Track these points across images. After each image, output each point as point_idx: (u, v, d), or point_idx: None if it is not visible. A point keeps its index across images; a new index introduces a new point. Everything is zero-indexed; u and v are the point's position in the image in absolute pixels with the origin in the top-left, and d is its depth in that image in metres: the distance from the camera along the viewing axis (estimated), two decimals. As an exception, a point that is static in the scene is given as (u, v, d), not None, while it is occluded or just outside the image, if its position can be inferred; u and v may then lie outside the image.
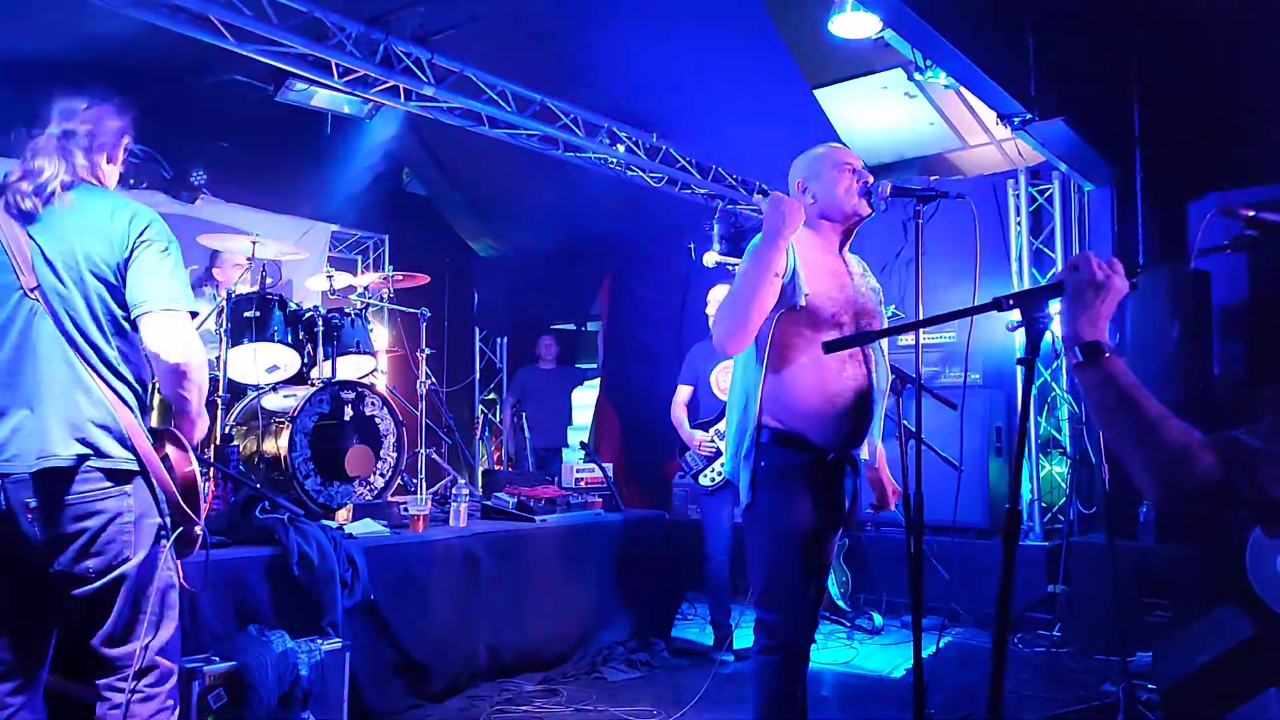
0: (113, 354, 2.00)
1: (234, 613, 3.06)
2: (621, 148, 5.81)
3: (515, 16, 5.08)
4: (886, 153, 6.74)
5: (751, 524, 2.47)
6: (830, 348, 1.94)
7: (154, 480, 1.99)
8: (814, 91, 5.66)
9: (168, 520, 2.02)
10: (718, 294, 3.43)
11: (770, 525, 2.41)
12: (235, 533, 3.36)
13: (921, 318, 2.62)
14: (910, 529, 2.49)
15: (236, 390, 4.47)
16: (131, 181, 5.93)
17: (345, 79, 4.75)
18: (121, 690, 1.97)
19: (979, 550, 5.15)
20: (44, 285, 1.95)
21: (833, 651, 4.70)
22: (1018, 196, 5.84)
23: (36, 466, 1.90)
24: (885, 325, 2.74)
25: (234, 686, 2.79)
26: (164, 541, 2.01)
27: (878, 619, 5.15)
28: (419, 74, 4.81)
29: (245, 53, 4.35)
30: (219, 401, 4.15)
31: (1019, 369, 1.48)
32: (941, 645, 4.76)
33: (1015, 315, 1.45)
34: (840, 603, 5.19)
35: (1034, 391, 4.87)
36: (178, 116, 6.03)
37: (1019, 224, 5.82)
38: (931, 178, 5.95)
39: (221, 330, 4.29)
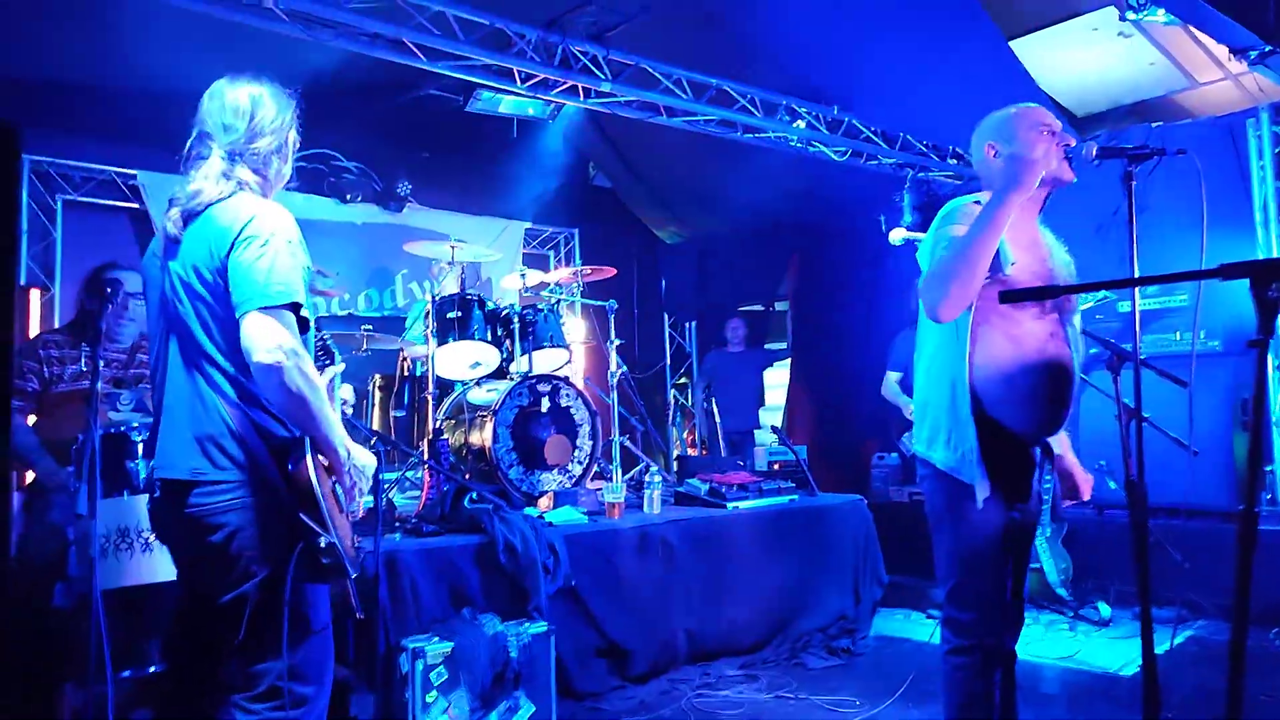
0: (227, 365, 1.91)
1: (449, 596, 3.28)
2: (801, 124, 5.66)
3: (684, 3, 5.07)
4: (1099, 101, 6.14)
5: (945, 514, 2.31)
6: (1006, 298, 1.79)
7: (276, 494, 1.88)
8: (1010, 43, 5.25)
9: (299, 535, 1.87)
10: None
11: (968, 516, 2.24)
12: (447, 522, 3.60)
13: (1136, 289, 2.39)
14: (1133, 517, 2.27)
15: (444, 386, 4.78)
16: (348, 197, 6.49)
17: (527, 84, 4.93)
18: (246, 710, 1.89)
19: (1222, 534, 4.61)
20: (169, 302, 1.97)
21: (1054, 644, 4.39)
22: (1259, 138, 5.15)
23: (160, 478, 1.94)
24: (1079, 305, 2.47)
25: (453, 665, 3.00)
26: (294, 558, 1.87)
27: (1105, 610, 4.75)
28: (596, 71, 4.92)
29: (437, 69, 4.62)
30: (429, 398, 4.45)
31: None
32: (1178, 641, 4.32)
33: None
34: (1061, 591, 4.83)
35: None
36: (382, 133, 6.53)
37: (1262, 168, 5.13)
38: (1154, 125, 5.38)
39: (429, 331, 4.60)
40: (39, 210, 5.43)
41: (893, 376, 4.60)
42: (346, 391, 4.23)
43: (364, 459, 2.04)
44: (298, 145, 2.19)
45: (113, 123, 5.46)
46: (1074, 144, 2.31)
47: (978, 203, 2.28)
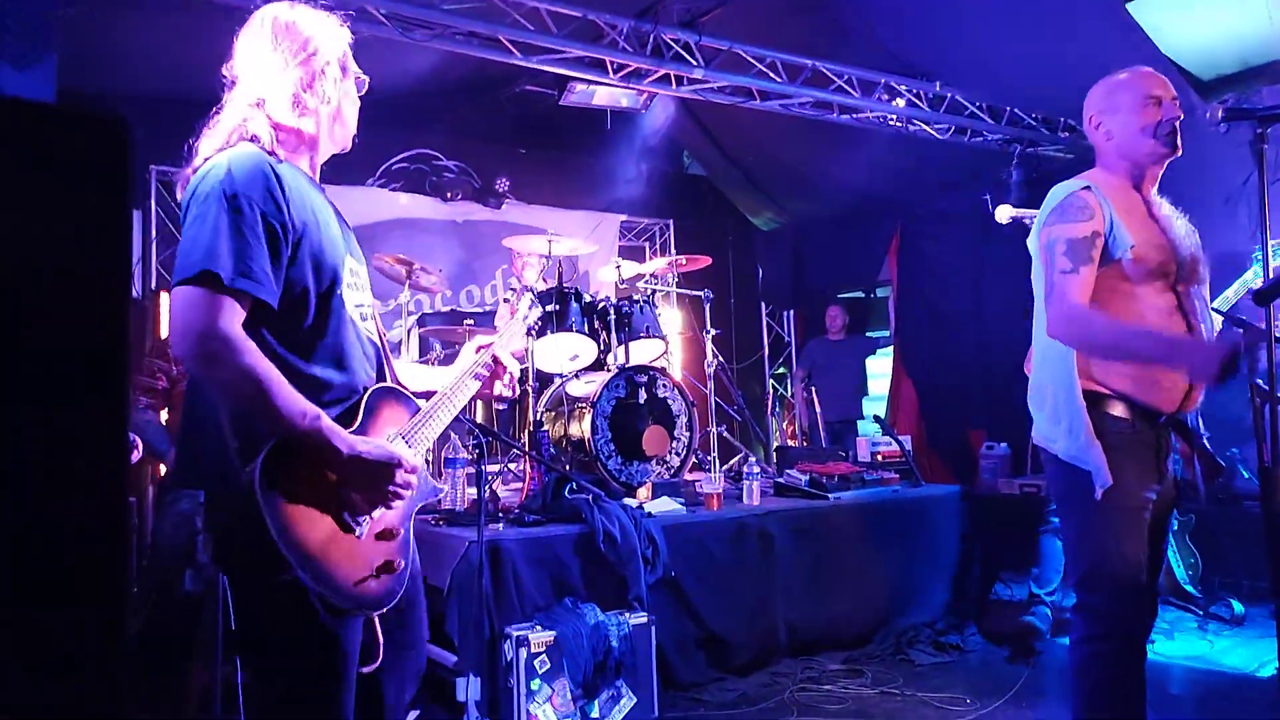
0: None
1: (550, 585, 3.33)
2: (901, 102, 5.49)
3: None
4: (1228, 62, 5.72)
5: (1076, 496, 2.19)
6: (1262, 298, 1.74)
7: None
8: (1126, 5, 4.95)
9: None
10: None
11: (1096, 501, 2.13)
12: (548, 512, 3.65)
13: (1269, 260, 2.22)
14: (1267, 507, 2.11)
15: (544, 379, 4.86)
16: (448, 195, 6.67)
17: (620, 74, 4.94)
18: None
19: (1375, 528, 4.25)
20: None
21: (1183, 644, 4.14)
22: None
23: None
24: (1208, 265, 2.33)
25: (556, 654, 3.05)
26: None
27: (1238, 607, 4.45)
28: (688, 58, 4.88)
29: (531, 64, 4.68)
30: (529, 390, 4.53)
31: None
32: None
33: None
34: (1189, 588, 4.55)
35: None
36: (480, 131, 6.67)
37: None
38: (1288, 86, 4.92)
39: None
40: (167, 219, 5.77)
41: None
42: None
43: (379, 452, 1.57)
44: (354, 80, 1.77)
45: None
46: (1182, 117, 2.17)
47: (1088, 188, 2.18)
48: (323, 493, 1.53)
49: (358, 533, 1.57)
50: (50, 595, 0.64)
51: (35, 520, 0.62)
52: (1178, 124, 2.19)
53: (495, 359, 2.01)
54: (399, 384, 1.81)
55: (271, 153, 1.60)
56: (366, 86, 1.80)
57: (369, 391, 1.68)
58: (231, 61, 1.68)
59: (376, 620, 1.65)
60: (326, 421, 1.51)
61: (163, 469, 3.74)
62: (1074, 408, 2.16)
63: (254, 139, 1.59)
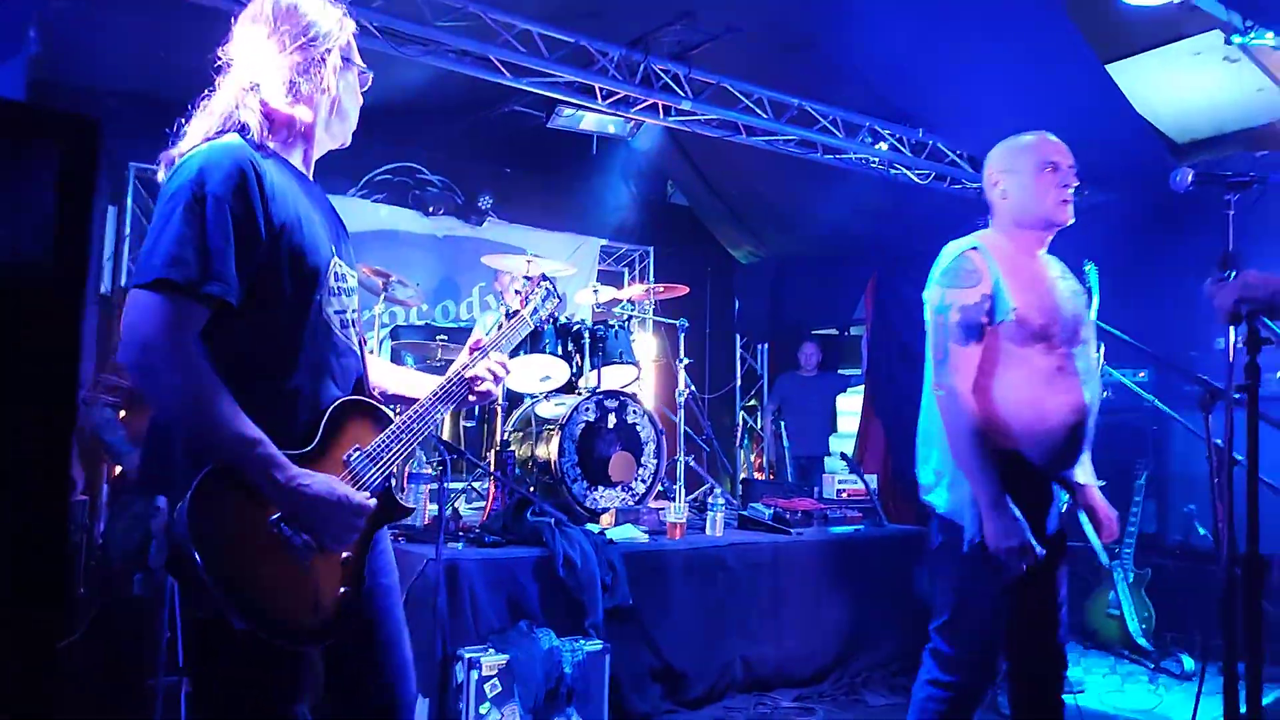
0: None
1: (506, 608, 3.30)
2: (884, 145, 5.58)
3: (770, 24, 5.05)
4: (1203, 127, 5.87)
5: (948, 547, 2.23)
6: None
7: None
8: (1106, 66, 5.07)
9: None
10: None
11: (975, 551, 2.16)
12: (509, 533, 3.62)
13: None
14: (1222, 563, 2.14)
15: (513, 398, 4.84)
16: (430, 209, 6.66)
17: (608, 101, 4.97)
18: None
19: (1324, 590, 4.32)
20: None
21: (1132, 697, 4.17)
22: (1378, 169, 4.85)
23: None
24: (1093, 326, 2.41)
25: (507, 678, 3.01)
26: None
27: (1188, 662, 4.50)
28: (677, 89, 4.93)
29: (521, 86, 4.71)
30: (498, 409, 4.50)
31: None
32: (1268, 700, 4.05)
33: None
34: (1141, 641, 4.59)
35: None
36: (466, 148, 6.68)
37: (1380, 201, 4.82)
38: (1259, 154, 5.12)
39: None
40: (143, 216, 5.71)
41: None
42: None
43: (321, 488, 1.46)
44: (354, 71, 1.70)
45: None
46: (1077, 185, 2.28)
47: (976, 249, 2.25)
48: (265, 518, 1.43)
49: (302, 565, 1.45)
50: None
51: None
52: (1070, 192, 2.28)
53: (501, 361, 1.87)
54: (372, 396, 1.70)
55: (261, 145, 1.52)
56: (370, 82, 1.73)
57: (334, 404, 1.57)
58: (229, 44, 1.61)
59: (323, 654, 1.56)
60: (267, 450, 1.41)
61: (119, 469, 3.67)
62: (954, 465, 2.21)
63: (243, 129, 1.51)
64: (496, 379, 1.84)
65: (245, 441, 1.39)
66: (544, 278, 2.23)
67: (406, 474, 3.77)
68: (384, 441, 1.63)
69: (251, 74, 1.56)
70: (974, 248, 2.25)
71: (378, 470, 1.60)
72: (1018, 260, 2.28)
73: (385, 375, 1.86)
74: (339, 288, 1.63)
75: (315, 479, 1.46)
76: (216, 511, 1.38)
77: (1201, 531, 4.71)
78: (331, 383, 1.59)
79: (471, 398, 1.83)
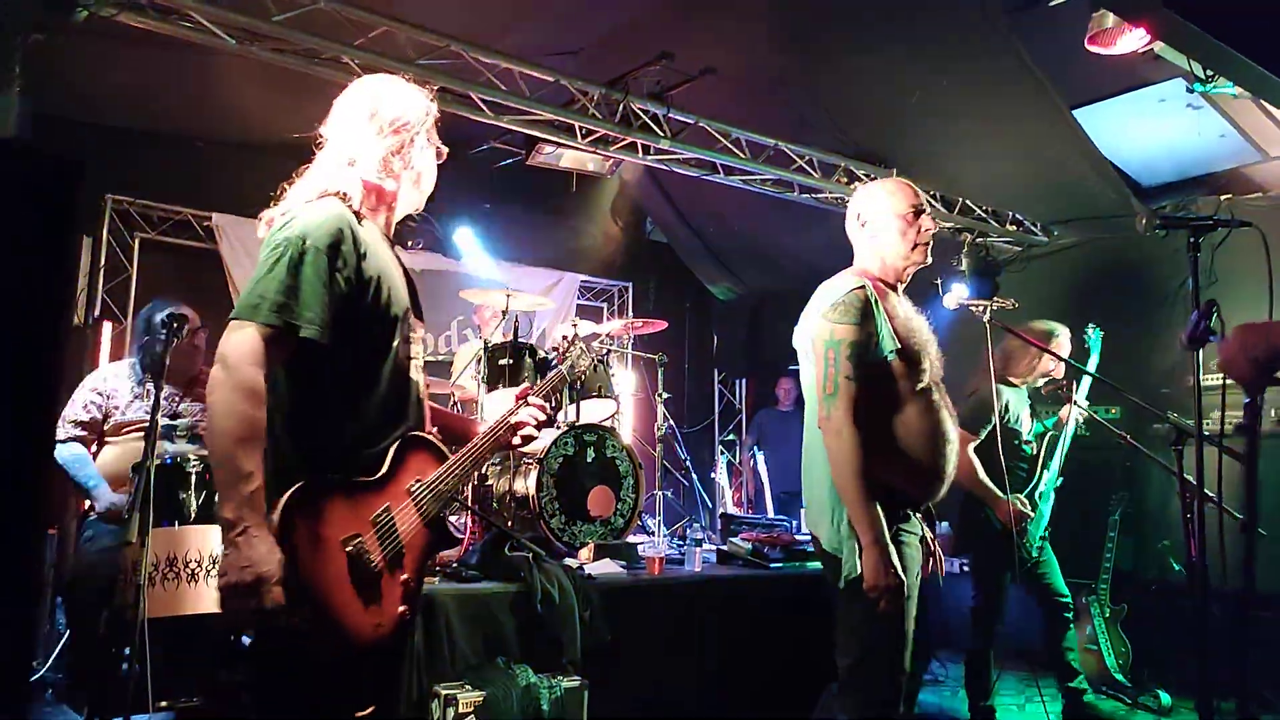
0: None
1: (483, 644, 3.25)
2: (859, 186, 5.67)
3: (747, 68, 5.15)
4: (1167, 171, 6.04)
5: (855, 593, 2.25)
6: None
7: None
8: (1073, 111, 5.22)
9: None
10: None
11: (852, 586, 2.25)
12: (487, 568, 3.59)
13: (1200, 360, 2.32)
14: (1195, 601, 2.17)
15: (492, 433, 4.82)
16: (409, 243, 6.66)
17: (588, 139, 5.04)
18: None
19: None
20: None
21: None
22: (1335, 212, 5.01)
23: None
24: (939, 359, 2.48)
25: (484, 715, 2.96)
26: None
27: (1165, 698, 4.52)
28: (656, 129, 5.01)
29: (502, 124, 4.76)
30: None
31: None
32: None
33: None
34: (1119, 676, 4.61)
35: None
36: (447, 183, 6.69)
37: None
38: (1223, 198, 5.28)
39: (479, 376, 4.66)
40: (118, 247, 5.67)
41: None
42: None
43: (244, 556, 1.48)
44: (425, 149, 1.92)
45: (191, 167, 5.72)
46: (936, 229, 2.45)
47: (863, 287, 2.34)
48: (344, 534, 1.62)
49: (369, 576, 1.64)
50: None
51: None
52: (931, 237, 2.47)
53: (542, 406, 2.04)
54: (433, 434, 1.88)
55: (356, 210, 1.74)
56: (445, 156, 1.96)
57: (401, 439, 1.75)
58: (326, 123, 1.85)
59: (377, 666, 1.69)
60: (256, 498, 1.52)
61: (86, 504, 3.61)
62: (835, 499, 2.27)
63: (343, 195, 1.73)
64: (540, 425, 2.03)
65: (243, 477, 1.51)
66: (580, 338, 2.46)
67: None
68: (441, 475, 1.81)
69: (350, 152, 1.79)
70: (861, 286, 2.34)
71: (435, 501, 1.79)
72: (890, 299, 2.41)
73: (439, 417, 2.03)
74: (411, 336, 1.83)
75: (260, 547, 1.49)
76: (305, 521, 1.57)
77: (1176, 567, 4.76)
78: (401, 419, 1.77)
79: (515, 440, 2.00)
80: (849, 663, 2.35)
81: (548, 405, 2.07)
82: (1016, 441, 4.14)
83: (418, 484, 1.76)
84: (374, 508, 1.68)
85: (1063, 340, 4.14)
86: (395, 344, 1.75)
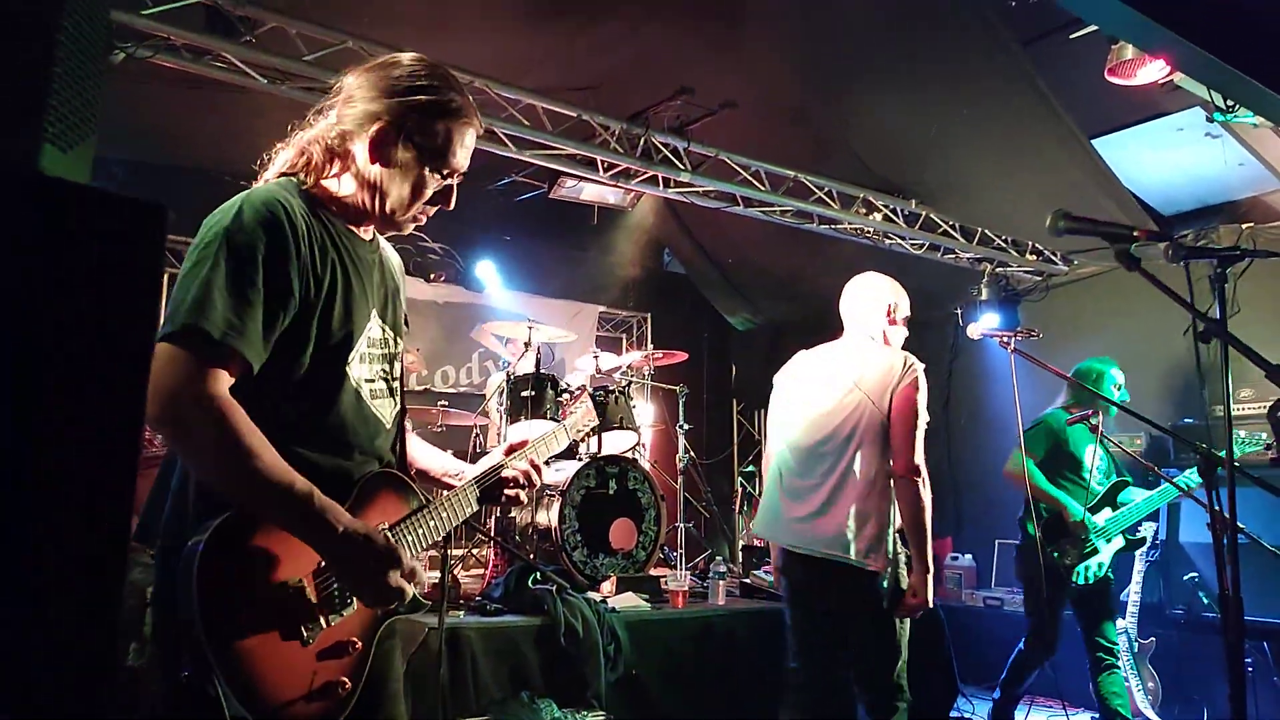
0: None
1: (509, 677, 3.25)
2: (878, 216, 5.70)
3: (767, 100, 5.21)
4: (1186, 200, 6.04)
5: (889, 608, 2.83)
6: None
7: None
8: (1092, 141, 5.24)
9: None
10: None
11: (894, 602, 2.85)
12: (511, 601, 3.59)
13: (1230, 390, 2.32)
14: (1227, 634, 2.14)
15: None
16: (431, 276, 6.74)
17: (609, 173, 5.10)
18: None
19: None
20: None
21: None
22: (1359, 240, 4.98)
23: None
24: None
25: (508, 750, 2.95)
26: None
27: (1198, 735, 4.43)
28: (676, 162, 5.06)
29: (524, 158, 4.83)
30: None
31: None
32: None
33: None
34: (1151, 712, 4.53)
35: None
36: (468, 216, 6.79)
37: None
38: (1244, 227, 5.26)
39: (502, 408, 4.68)
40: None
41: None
42: None
43: (380, 543, 1.40)
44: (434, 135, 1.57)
45: (220, 202, 5.81)
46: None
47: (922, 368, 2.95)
48: (276, 584, 1.33)
49: (305, 638, 1.35)
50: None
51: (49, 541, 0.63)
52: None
53: (533, 466, 1.82)
54: (405, 472, 1.63)
55: (319, 194, 1.53)
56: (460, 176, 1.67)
57: (365, 478, 1.51)
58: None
59: None
60: (321, 498, 1.34)
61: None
62: (879, 530, 2.79)
63: (295, 171, 1.54)
64: (528, 484, 1.81)
65: (297, 487, 1.33)
66: (591, 396, 2.26)
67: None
68: (412, 523, 1.56)
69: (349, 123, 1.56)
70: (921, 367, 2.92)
71: (402, 550, 1.46)
72: None
73: (420, 456, 1.81)
74: (371, 354, 1.56)
75: (375, 530, 1.40)
76: (230, 561, 1.29)
77: (1205, 601, 4.69)
78: (360, 455, 1.52)
79: (504, 496, 1.79)
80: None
81: (540, 465, 1.84)
82: (1080, 472, 4.15)
83: (384, 526, 1.49)
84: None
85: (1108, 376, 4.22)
86: (346, 364, 1.49)
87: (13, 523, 0.62)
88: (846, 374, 2.95)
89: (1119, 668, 4.08)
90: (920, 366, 2.89)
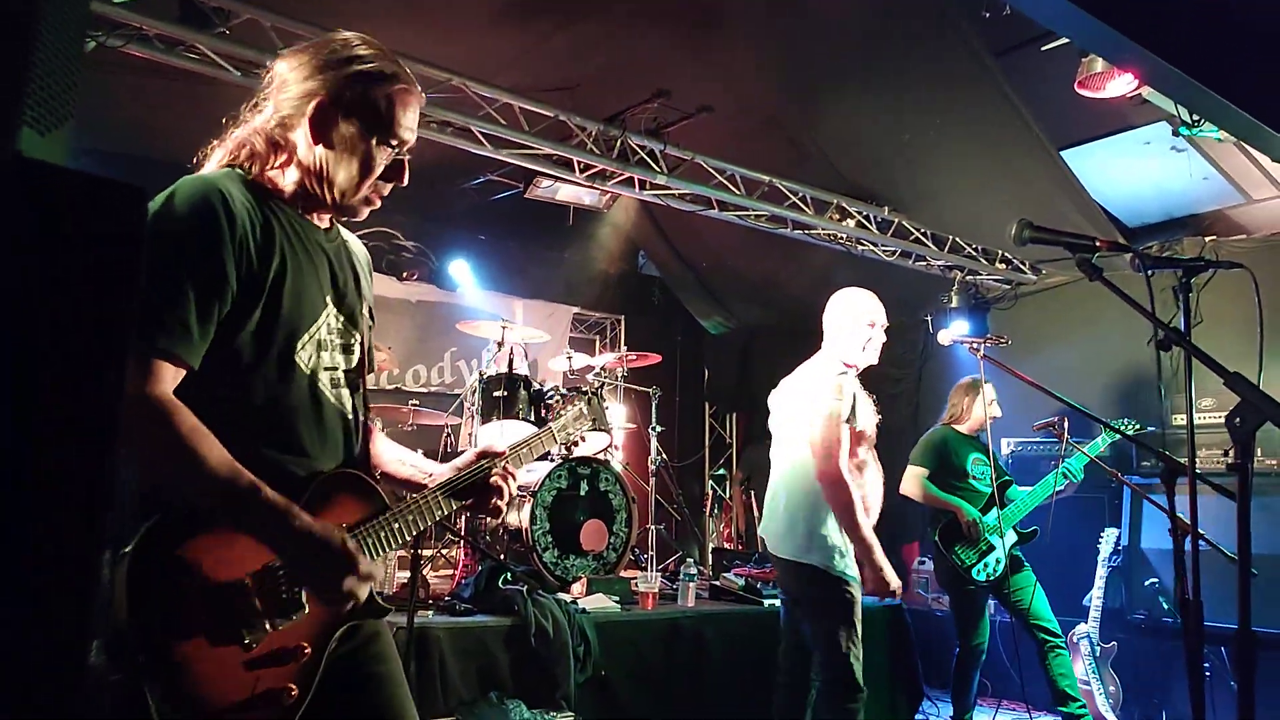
0: None
1: (476, 678, 3.23)
2: (851, 222, 5.75)
3: (744, 105, 5.24)
4: (1153, 212, 6.15)
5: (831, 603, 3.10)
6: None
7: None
8: (1061, 152, 5.32)
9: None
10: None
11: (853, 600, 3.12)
12: (480, 601, 3.57)
13: (1192, 398, 2.37)
14: (1187, 639, 2.18)
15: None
16: (404, 274, 6.69)
17: (585, 174, 5.10)
18: None
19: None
20: None
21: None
22: (1317, 255, 5.10)
23: None
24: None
25: (476, 751, 2.94)
26: None
27: (1157, 737, 4.51)
28: (652, 165, 5.07)
29: (500, 157, 4.81)
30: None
31: None
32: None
33: None
34: (1112, 715, 4.61)
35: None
36: (445, 215, 6.76)
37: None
38: (1208, 239, 5.39)
39: (474, 408, 4.66)
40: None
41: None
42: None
43: (331, 540, 1.37)
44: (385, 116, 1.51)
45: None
46: (884, 339, 3.33)
47: (844, 374, 3.17)
48: (213, 587, 1.28)
49: (246, 642, 1.30)
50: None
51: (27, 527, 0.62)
52: (880, 342, 3.29)
53: (507, 472, 1.70)
54: (367, 472, 1.56)
55: (265, 183, 1.47)
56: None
57: (321, 477, 1.44)
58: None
59: None
60: (269, 493, 1.31)
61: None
62: (810, 525, 3.09)
63: (245, 162, 1.47)
64: (501, 493, 1.69)
65: (243, 482, 1.29)
66: (589, 396, 2.02)
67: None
68: (373, 526, 1.49)
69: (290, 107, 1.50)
70: (843, 372, 3.18)
71: (363, 555, 1.42)
72: (857, 382, 3.23)
73: (387, 455, 1.73)
74: (328, 343, 1.50)
75: (329, 527, 1.37)
76: (163, 565, 1.25)
77: (1165, 606, 4.77)
78: (317, 452, 1.46)
79: (491, 504, 1.70)
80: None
81: (516, 474, 1.74)
82: (966, 480, 4.42)
83: (341, 530, 1.41)
84: (266, 554, 1.34)
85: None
86: (296, 354, 1.43)
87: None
88: (791, 391, 3.34)
89: (1064, 649, 4.20)
90: (841, 382, 3.11)
